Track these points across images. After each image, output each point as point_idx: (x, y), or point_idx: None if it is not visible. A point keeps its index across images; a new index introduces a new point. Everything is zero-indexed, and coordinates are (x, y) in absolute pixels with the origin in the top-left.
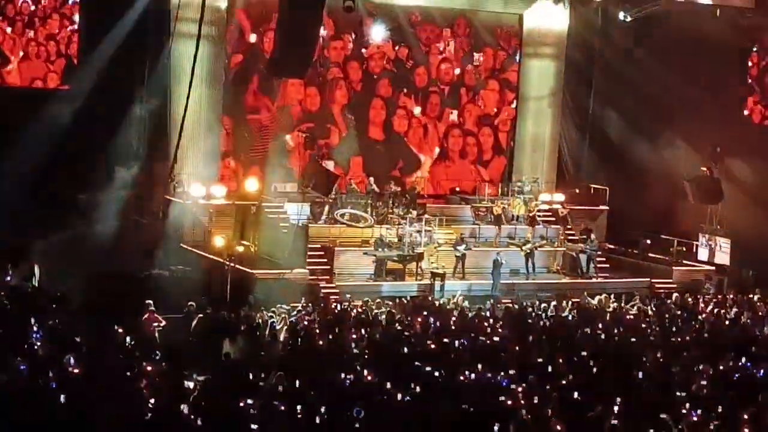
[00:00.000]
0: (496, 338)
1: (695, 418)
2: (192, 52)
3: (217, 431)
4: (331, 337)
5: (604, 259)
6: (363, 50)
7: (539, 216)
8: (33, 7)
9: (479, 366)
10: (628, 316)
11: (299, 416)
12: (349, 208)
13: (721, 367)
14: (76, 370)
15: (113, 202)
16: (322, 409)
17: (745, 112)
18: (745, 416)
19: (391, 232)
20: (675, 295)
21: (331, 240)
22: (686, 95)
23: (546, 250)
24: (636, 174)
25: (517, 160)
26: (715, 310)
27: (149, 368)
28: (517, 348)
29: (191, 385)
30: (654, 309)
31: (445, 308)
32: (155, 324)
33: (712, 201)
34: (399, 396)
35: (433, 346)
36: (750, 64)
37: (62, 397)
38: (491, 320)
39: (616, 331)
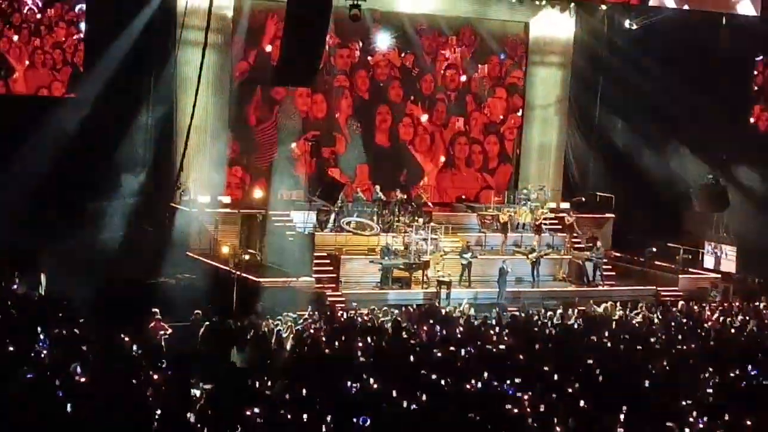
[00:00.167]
0: (502, 346)
1: (701, 426)
2: (198, 60)
3: None
4: (337, 345)
5: (610, 267)
6: (369, 58)
7: (545, 224)
8: (39, 16)
9: (485, 374)
10: (633, 324)
11: (306, 424)
12: (355, 216)
13: (728, 375)
14: (82, 379)
15: (119, 210)
16: (329, 418)
17: (751, 120)
18: (749, 423)
19: (397, 240)
20: (681, 302)
21: (337, 248)
22: (692, 103)
23: (552, 258)
24: (642, 182)
25: (524, 168)
26: (721, 318)
27: (156, 376)
28: (523, 356)
29: (198, 393)
30: (660, 317)
31: (451, 316)
32: (161, 332)
33: (718, 209)
34: (405, 404)
35: (439, 354)
36: (755, 72)
37: (69, 406)
38: (497, 328)
39: (622, 339)
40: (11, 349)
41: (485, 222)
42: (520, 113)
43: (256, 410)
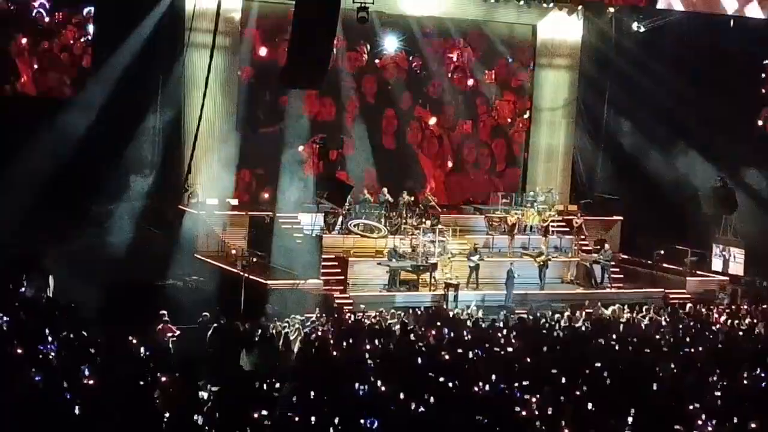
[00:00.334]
0: (509, 349)
1: (710, 430)
2: (206, 63)
3: None
4: (344, 347)
5: (618, 269)
6: (376, 61)
7: (553, 226)
8: (47, 18)
9: (493, 377)
10: (641, 327)
11: (313, 427)
12: (362, 219)
13: (736, 378)
14: (90, 381)
15: (127, 212)
16: (336, 420)
17: (759, 123)
18: (757, 426)
19: (404, 243)
20: (689, 305)
21: (344, 250)
22: (700, 106)
23: (560, 260)
24: (650, 184)
25: (531, 171)
26: (729, 321)
27: (163, 379)
28: (530, 359)
29: (205, 395)
30: (667, 319)
31: (458, 319)
32: (169, 334)
33: (727, 211)
34: (413, 407)
35: (446, 356)
36: (764, 74)
37: (77, 408)
38: (505, 331)
39: (629, 341)
40: (19, 351)
41: (493, 224)
42: (527, 116)
43: (264, 412)
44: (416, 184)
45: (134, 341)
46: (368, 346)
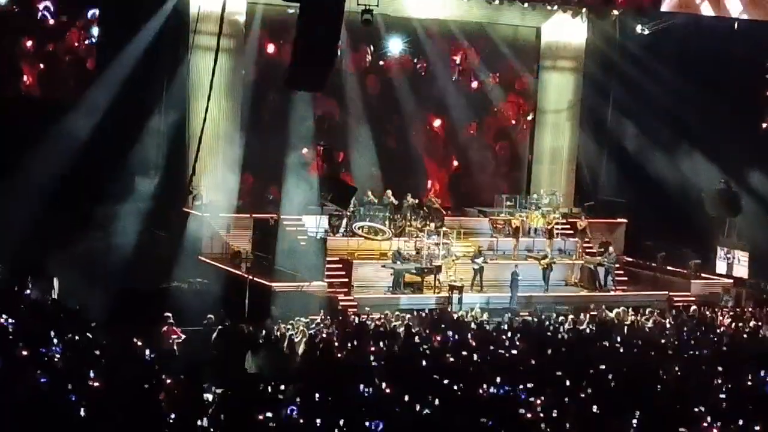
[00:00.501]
0: (514, 351)
1: None
2: (210, 65)
3: None
4: (349, 350)
5: (622, 272)
6: (381, 63)
7: (557, 229)
8: (52, 20)
9: (497, 379)
10: (646, 330)
11: (318, 429)
12: (367, 221)
13: (740, 381)
14: (95, 384)
15: (132, 214)
16: (341, 422)
17: (764, 125)
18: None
19: (409, 245)
20: (693, 308)
21: (349, 253)
22: (704, 108)
23: (564, 263)
24: (654, 186)
25: (535, 173)
26: (734, 324)
27: (168, 381)
28: (535, 361)
29: (210, 398)
30: (672, 322)
31: (463, 321)
32: (174, 337)
33: (731, 214)
34: (417, 409)
35: (451, 359)
36: None
37: (82, 411)
38: (509, 333)
39: (634, 344)
40: (24, 353)
41: (497, 227)
42: (531, 118)
43: (269, 415)
44: (420, 187)
45: (139, 343)
46: (373, 349)
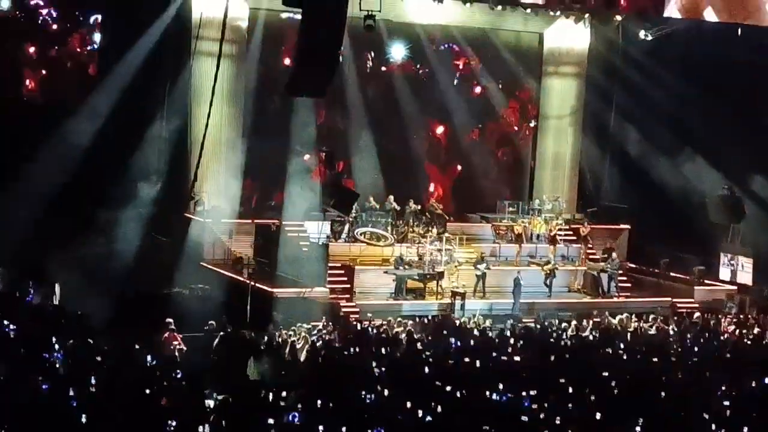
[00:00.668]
0: (516, 358)
1: None
2: (212, 71)
3: None
4: (351, 356)
5: (625, 278)
6: (383, 68)
7: (560, 235)
8: (55, 26)
9: (500, 385)
10: (649, 336)
11: None
12: (369, 227)
13: (744, 387)
14: (96, 389)
15: (133, 220)
16: (343, 429)
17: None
18: None
19: (411, 251)
20: (697, 314)
21: (351, 259)
22: (707, 113)
23: (567, 269)
24: (657, 192)
25: (538, 179)
26: (737, 330)
27: (169, 387)
28: (538, 368)
29: (211, 404)
30: (675, 329)
31: (465, 327)
32: (175, 343)
33: (734, 220)
34: (420, 415)
35: (453, 365)
36: None
37: (83, 416)
38: (512, 339)
39: (637, 350)
40: (26, 359)
41: (500, 233)
42: (534, 124)
43: (270, 421)
44: (422, 192)
45: (140, 349)
46: (375, 355)
